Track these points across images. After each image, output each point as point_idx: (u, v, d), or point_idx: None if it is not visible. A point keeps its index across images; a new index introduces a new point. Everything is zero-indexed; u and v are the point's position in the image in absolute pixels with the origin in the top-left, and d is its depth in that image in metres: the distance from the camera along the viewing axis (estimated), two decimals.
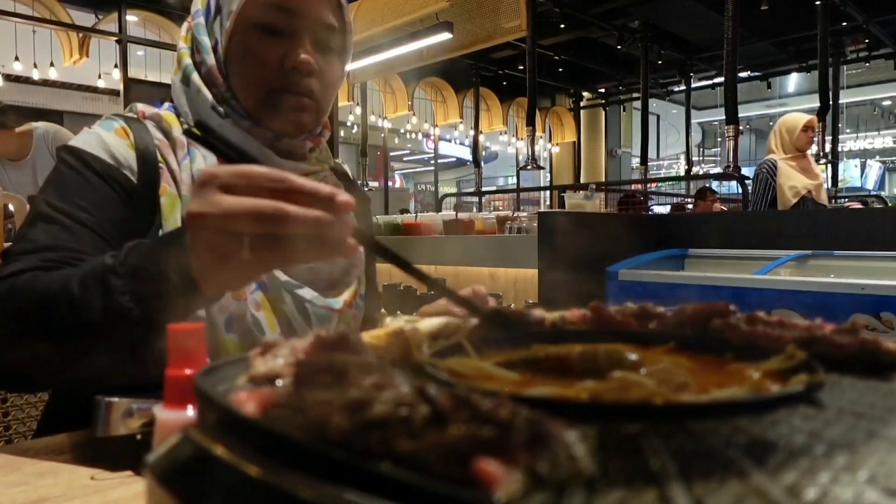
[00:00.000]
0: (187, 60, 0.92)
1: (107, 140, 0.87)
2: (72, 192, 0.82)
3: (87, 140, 0.87)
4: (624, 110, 11.84)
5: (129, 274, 0.64)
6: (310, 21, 0.89)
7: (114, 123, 0.89)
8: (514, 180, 12.91)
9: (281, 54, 0.88)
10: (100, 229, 0.81)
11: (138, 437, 0.57)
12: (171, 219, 0.85)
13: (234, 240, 0.54)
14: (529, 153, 5.45)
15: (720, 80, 8.83)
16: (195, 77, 0.91)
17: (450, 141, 13.67)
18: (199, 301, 0.65)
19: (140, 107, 0.94)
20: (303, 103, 0.90)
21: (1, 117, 3.19)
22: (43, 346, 0.67)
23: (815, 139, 4.11)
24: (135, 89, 6.53)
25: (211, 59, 0.90)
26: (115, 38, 6.72)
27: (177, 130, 0.90)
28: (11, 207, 2.41)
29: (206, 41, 0.91)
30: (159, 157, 0.88)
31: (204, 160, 0.89)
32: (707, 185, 6.39)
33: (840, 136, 9.10)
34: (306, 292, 0.91)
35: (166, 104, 0.97)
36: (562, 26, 7.80)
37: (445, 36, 5.13)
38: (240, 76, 0.90)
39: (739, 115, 4.09)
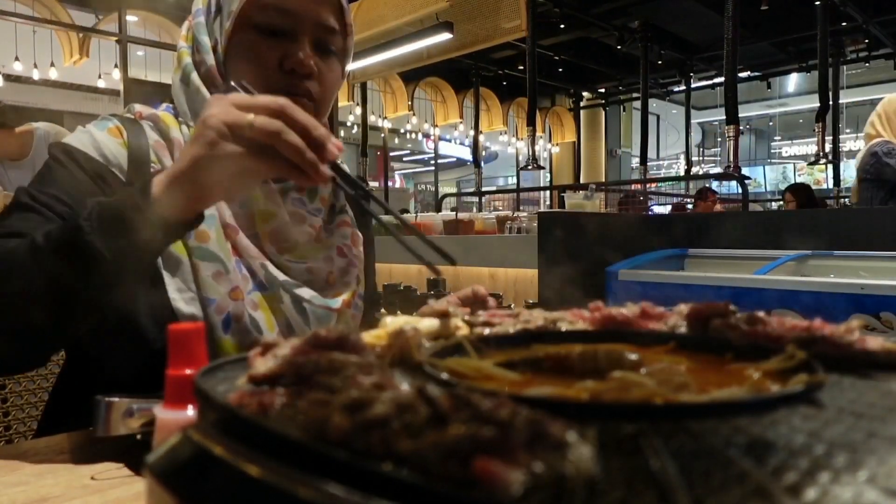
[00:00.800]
0: (187, 60, 0.92)
1: (98, 138, 0.87)
2: (55, 186, 0.82)
3: (79, 138, 0.87)
4: (624, 110, 11.85)
5: (95, 209, 0.67)
6: (310, 23, 0.89)
7: (108, 123, 0.90)
8: (514, 180, 12.91)
9: (280, 56, 0.88)
10: None
11: (138, 437, 0.57)
12: None
13: (236, 134, 0.63)
14: (529, 153, 5.45)
15: (720, 80, 8.84)
16: (195, 77, 0.91)
17: (450, 141, 13.66)
18: (164, 228, 0.68)
19: (138, 107, 0.94)
20: (302, 104, 0.90)
21: (1, 117, 3.18)
22: (6, 309, 0.68)
23: None
24: (135, 89, 6.52)
25: (210, 59, 0.90)
26: (115, 39, 6.71)
27: (175, 132, 0.90)
28: None
29: (205, 41, 0.91)
30: (153, 158, 0.88)
31: None
32: (707, 185, 6.38)
33: (840, 136, 9.08)
34: (305, 292, 0.91)
35: (164, 105, 0.97)
36: (562, 26, 7.80)
37: (445, 36, 5.13)
38: (238, 76, 0.90)
39: (739, 115, 4.09)
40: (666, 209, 7.04)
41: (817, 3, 6.01)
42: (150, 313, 0.80)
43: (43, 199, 0.80)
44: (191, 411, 0.42)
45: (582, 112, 11.33)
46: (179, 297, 0.82)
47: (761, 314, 0.47)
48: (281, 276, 0.90)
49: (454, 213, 4.35)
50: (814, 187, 6.37)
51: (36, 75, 7.11)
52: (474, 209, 7.05)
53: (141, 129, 0.90)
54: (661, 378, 0.35)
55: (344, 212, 1.04)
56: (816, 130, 5.65)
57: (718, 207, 5.80)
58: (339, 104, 7.23)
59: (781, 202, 5.96)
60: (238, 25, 0.88)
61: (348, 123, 9.84)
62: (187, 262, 0.83)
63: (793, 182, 12.21)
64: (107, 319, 0.74)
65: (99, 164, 0.85)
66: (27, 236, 0.72)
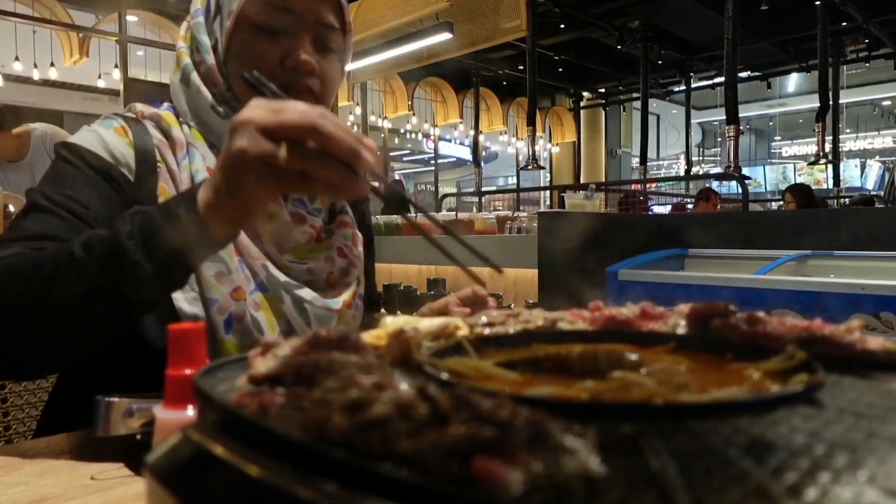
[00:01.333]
0: (186, 60, 0.92)
1: (106, 138, 0.86)
2: (68, 186, 0.81)
3: (86, 137, 0.87)
4: (624, 110, 11.84)
5: (136, 224, 0.66)
6: (310, 21, 0.89)
7: (113, 122, 0.89)
8: (514, 180, 12.91)
9: (281, 54, 0.88)
10: (95, 223, 0.80)
11: (138, 437, 0.57)
12: None
13: (272, 142, 0.60)
14: (529, 153, 5.45)
15: (720, 80, 8.85)
16: (194, 76, 0.91)
17: (450, 141, 13.65)
18: (207, 245, 0.67)
19: (139, 107, 0.94)
20: (303, 101, 0.90)
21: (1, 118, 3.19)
22: (45, 317, 0.67)
23: None
24: (135, 89, 6.52)
25: (211, 59, 0.90)
26: (115, 39, 6.71)
27: (176, 130, 0.90)
28: (11, 208, 2.41)
29: (205, 41, 0.91)
30: (158, 157, 0.88)
31: (203, 160, 0.88)
32: (708, 185, 6.37)
33: (840, 136, 9.08)
34: (306, 293, 0.91)
35: (165, 104, 0.97)
36: (562, 26, 7.80)
37: (445, 36, 5.13)
38: (239, 75, 0.90)
39: (739, 115, 4.09)
40: (666, 209, 7.04)
41: (817, 3, 6.01)
42: (153, 313, 0.80)
43: (57, 198, 0.79)
44: (191, 411, 0.42)
45: (582, 112, 11.33)
46: (182, 296, 0.82)
47: (761, 314, 0.47)
48: (282, 277, 0.90)
49: (454, 212, 4.35)
50: (814, 187, 6.37)
51: (36, 75, 7.11)
52: (474, 209, 7.05)
53: (144, 128, 0.90)
54: (661, 378, 0.35)
55: (344, 212, 1.04)
56: (816, 130, 5.65)
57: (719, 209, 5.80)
58: (339, 104, 7.23)
59: (781, 202, 5.96)
60: (238, 24, 0.88)
61: (348, 123, 9.83)
62: None
63: (793, 182, 12.23)
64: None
65: (107, 163, 0.85)
66: (47, 238, 0.74)
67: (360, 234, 1.04)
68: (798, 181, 12.53)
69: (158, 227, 0.65)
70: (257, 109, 0.61)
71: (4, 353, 0.69)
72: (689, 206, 7.41)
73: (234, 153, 0.61)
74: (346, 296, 0.97)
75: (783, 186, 8.95)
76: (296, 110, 0.61)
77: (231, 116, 0.89)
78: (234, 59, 0.90)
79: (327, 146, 0.60)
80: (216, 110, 0.89)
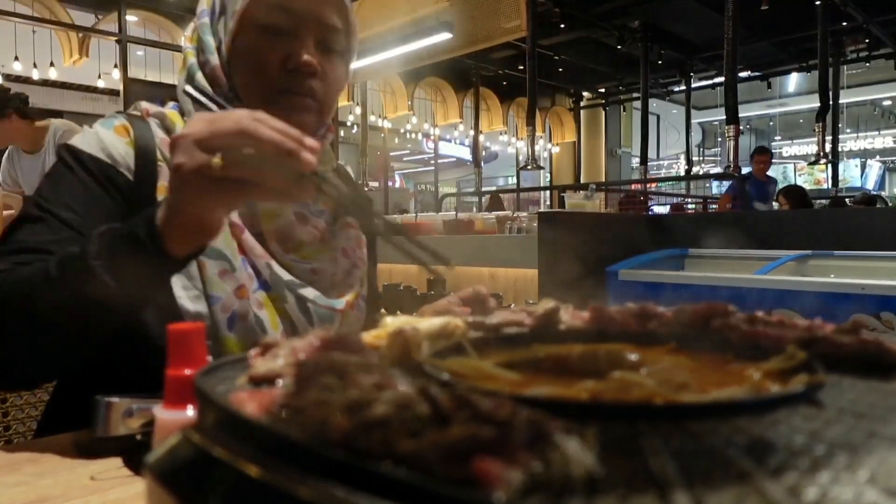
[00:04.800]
0: (192, 60, 0.92)
1: (105, 139, 0.87)
2: (63, 192, 0.83)
3: (86, 139, 0.88)
4: (624, 110, 11.83)
5: (104, 244, 0.68)
6: (313, 22, 0.89)
7: (114, 121, 0.90)
8: (514, 180, 12.90)
9: (284, 55, 0.88)
10: (86, 230, 0.81)
11: (138, 437, 0.57)
12: None
13: (208, 154, 0.61)
14: (529, 153, 5.44)
15: (720, 80, 8.84)
16: (199, 77, 0.91)
17: (450, 141, 13.65)
18: (169, 264, 0.69)
19: (144, 105, 0.95)
20: (305, 104, 0.91)
21: (24, 107, 3.28)
22: (27, 330, 0.71)
23: None
24: (134, 89, 6.52)
25: (215, 59, 0.91)
26: (115, 38, 6.71)
27: (180, 129, 0.90)
28: (12, 210, 2.41)
29: (210, 41, 0.91)
30: (159, 156, 0.88)
31: None
32: (763, 144, 6.24)
33: (840, 136, 9.08)
34: (309, 292, 0.91)
35: (171, 103, 0.97)
36: (562, 26, 7.79)
37: (445, 36, 5.13)
38: (243, 76, 0.90)
39: (739, 115, 4.09)
40: (666, 209, 7.04)
41: (817, 3, 6.01)
42: (155, 311, 0.80)
43: (50, 207, 0.82)
44: (191, 411, 0.42)
45: (582, 112, 11.32)
46: (185, 294, 0.82)
47: (761, 314, 0.47)
48: (285, 276, 0.90)
49: (454, 212, 4.35)
50: (814, 187, 6.38)
51: (36, 75, 7.11)
52: (474, 209, 7.05)
53: (147, 126, 0.91)
54: (661, 378, 0.35)
55: None
56: (816, 130, 5.65)
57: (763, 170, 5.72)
58: (339, 104, 7.22)
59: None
60: (241, 25, 0.89)
61: (348, 123, 9.83)
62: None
63: (793, 182, 12.23)
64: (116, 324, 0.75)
65: (106, 166, 0.86)
66: (36, 251, 0.77)
67: (363, 236, 1.04)
68: (798, 181, 12.53)
69: (121, 248, 0.67)
70: (194, 124, 0.63)
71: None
72: (690, 206, 7.41)
73: (174, 170, 0.63)
74: (349, 296, 0.97)
75: (783, 186, 8.95)
76: (229, 118, 0.62)
77: None
78: (237, 59, 0.90)
79: (261, 150, 0.60)
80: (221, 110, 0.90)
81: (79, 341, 0.73)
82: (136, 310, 0.75)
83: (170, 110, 0.94)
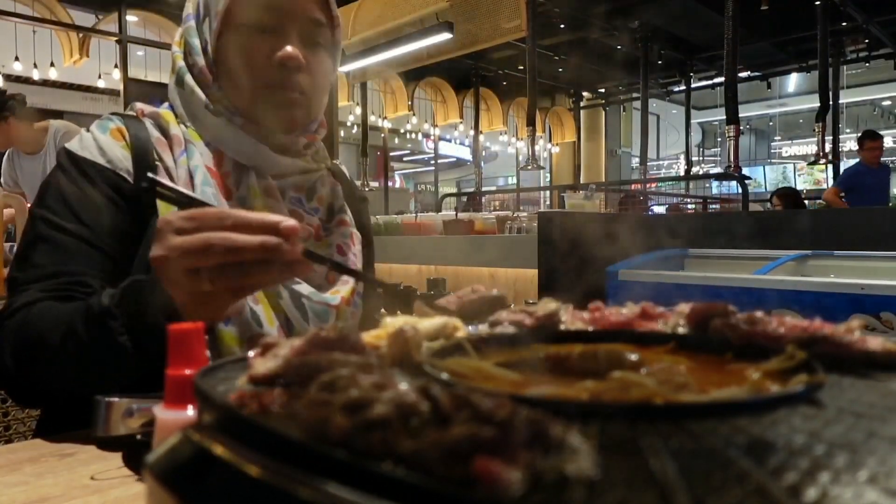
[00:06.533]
0: (180, 63, 0.94)
1: (102, 143, 0.89)
2: (68, 203, 0.85)
3: (84, 144, 0.89)
4: (624, 110, 11.84)
5: (126, 316, 0.70)
6: (296, 17, 0.90)
7: (109, 124, 0.91)
8: (514, 180, 12.90)
9: (268, 51, 0.89)
10: (97, 241, 0.84)
11: (138, 437, 0.57)
12: None
13: (194, 275, 0.62)
14: (529, 153, 5.45)
15: (720, 80, 8.84)
16: (188, 78, 0.92)
17: (450, 141, 13.66)
18: None
19: (139, 105, 0.96)
20: (293, 99, 0.91)
21: (18, 105, 3.26)
22: (50, 373, 0.76)
23: None
24: (135, 89, 6.53)
25: (201, 60, 0.92)
26: (115, 39, 6.72)
27: (174, 128, 0.92)
28: (12, 209, 2.41)
29: (195, 43, 0.93)
30: (155, 156, 0.89)
31: (201, 157, 0.90)
32: (869, 129, 5.71)
33: (840, 136, 9.08)
34: (303, 288, 0.91)
35: (165, 104, 0.98)
36: (562, 26, 7.80)
37: (445, 36, 5.13)
38: (229, 74, 0.91)
39: (739, 115, 4.09)
40: (665, 209, 7.04)
41: (817, 3, 6.01)
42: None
43: (57, 222, 0.84)
44: (191, 411, 0.42)
45: (582, 112, 11.32)
46: None
47: (761, 314, 0.47)
48: None
49: (454, 212, 4.35)
50: (814, 187, 6.37)
51: (36, 75, 7.11)
52: (471, 209, 7.04)
53: (143, 126, 0.92)
54: (661, 378, 0.35)
55: (343, 211, 1.04)
56: (816, 130, 5.65)
57: (876, 156, 5.16)
58: (339, 104, 7.22)
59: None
60: (225, 25, 0.90)
61: (348, 123, 9.84)
62: None
63: (793, 182, 12.23)
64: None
65: (104, 169, 0.87)
66: (59, 276, 0.81)
67: (358, 234, 1.05)
68: (798, 181, 12.53)
69: (151, 333, 0.69)
70: (163, 248, 0.63)
71: (27, 387, 0.81)
72: (689, 206, 7.41)
73: (173, 293, 0.66)
74: (344, 292, 0.97)
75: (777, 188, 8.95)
76: (192, 240, 0.61)
77: (223, 115, 0.90)
78: (223, 58, 0.92)
79: (236, 258, 0.61)
80: (209, 109, 0.91)
81: (93, 385, 0.75)
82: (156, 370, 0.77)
83: (164, 110, 0.95)
